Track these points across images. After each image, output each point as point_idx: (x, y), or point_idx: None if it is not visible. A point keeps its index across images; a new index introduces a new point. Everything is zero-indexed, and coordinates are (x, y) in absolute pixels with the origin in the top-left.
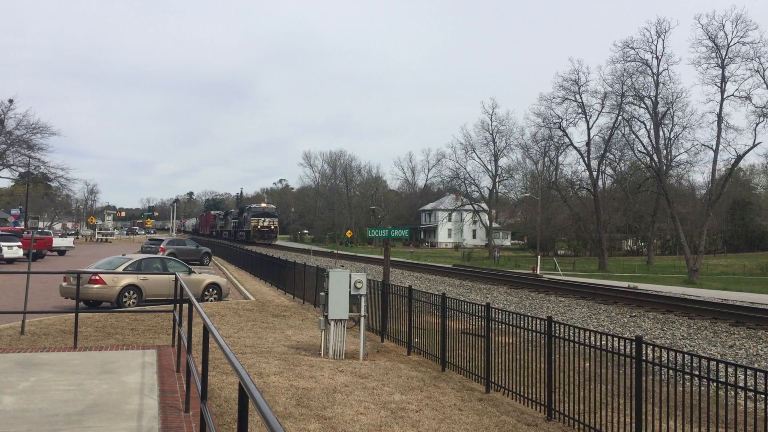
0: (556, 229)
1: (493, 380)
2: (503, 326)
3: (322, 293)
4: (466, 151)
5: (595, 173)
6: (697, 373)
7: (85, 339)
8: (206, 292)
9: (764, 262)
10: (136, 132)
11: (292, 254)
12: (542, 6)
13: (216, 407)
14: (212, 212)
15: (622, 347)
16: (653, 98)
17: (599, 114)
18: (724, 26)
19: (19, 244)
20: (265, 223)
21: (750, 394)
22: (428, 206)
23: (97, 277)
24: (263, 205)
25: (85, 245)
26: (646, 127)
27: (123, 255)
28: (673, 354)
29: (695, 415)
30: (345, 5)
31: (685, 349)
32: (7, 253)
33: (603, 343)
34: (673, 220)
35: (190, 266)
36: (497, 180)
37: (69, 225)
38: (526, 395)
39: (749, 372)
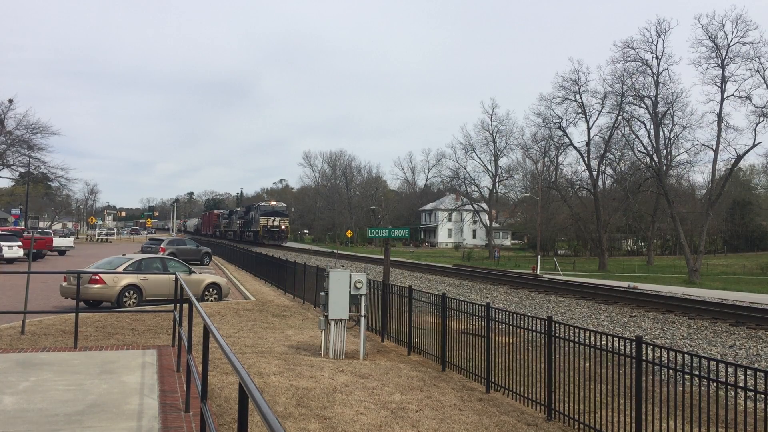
0: (556, 229)
1: (493, 380)
2: (503, 326)
3: (322, 293)
4: (466, 151)
5: (595, 173)
6: (697, 373)
7: (86, 339)
8: (206, 292)
9: (764, 262)
10: (136, 132)
11: (293, 254)
12: (542, 6)
13: (216, 407)
14: (215, 211)
15: (622, 347)
16: (653, 98)
17: (599, 114)
18: (724, 26)
19: (20, 243)
20: (275, 223)
21: (750, 394)
22: (428, 206)
23: (98, 277)
24: (273, 202)
25: (85, 245)
26: (646, 127)
27: (123, 255)
28: (673, 354)
29: (695, 415)
30: (345, 5)
31: (685, 349)
32: (8, 253)
33: (603, 343)
34: (673, 220)
35: (190, 266)
36: (497, 180)
37: (69, 225)
38: (526, 395)
39: (749, 372)
